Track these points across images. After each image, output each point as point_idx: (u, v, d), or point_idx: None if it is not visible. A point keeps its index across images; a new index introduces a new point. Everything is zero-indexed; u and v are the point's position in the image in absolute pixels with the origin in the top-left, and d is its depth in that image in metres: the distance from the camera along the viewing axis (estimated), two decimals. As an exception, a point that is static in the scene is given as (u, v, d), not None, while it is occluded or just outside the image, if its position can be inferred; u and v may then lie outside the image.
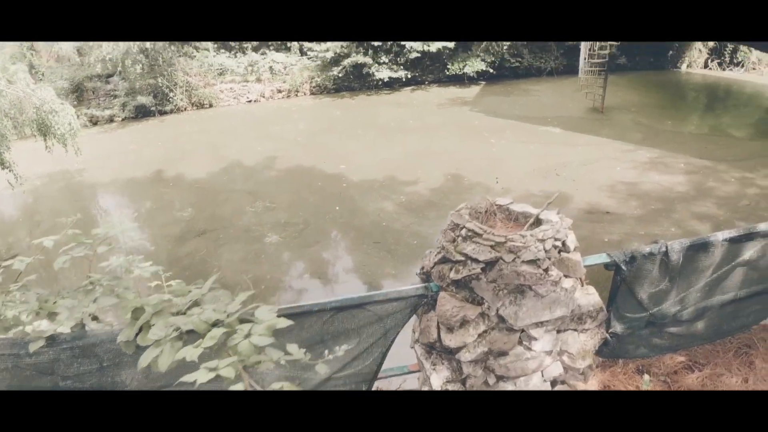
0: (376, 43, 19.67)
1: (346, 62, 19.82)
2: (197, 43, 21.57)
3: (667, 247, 3.42)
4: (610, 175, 10.42)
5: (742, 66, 24.30)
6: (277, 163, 12.45)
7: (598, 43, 14.65)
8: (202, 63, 20.88)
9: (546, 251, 2.89)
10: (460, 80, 20.61)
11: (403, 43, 19.64)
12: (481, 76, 20.63)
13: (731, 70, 24.13)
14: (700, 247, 3.51)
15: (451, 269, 3.03)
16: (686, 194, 9.55)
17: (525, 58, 21.31)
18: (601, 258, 3.42)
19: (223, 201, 10.40)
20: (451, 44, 20.05)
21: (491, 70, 20.48)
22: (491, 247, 2.85)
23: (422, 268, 3.28)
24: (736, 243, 3.60)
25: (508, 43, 20.66)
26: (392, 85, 20.68)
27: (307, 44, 21.65)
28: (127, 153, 14.50)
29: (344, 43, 19.80)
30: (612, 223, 8.38)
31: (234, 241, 8.58)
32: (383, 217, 8.98)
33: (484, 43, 20.25)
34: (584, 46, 14.82)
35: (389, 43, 19.73)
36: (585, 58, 15.00)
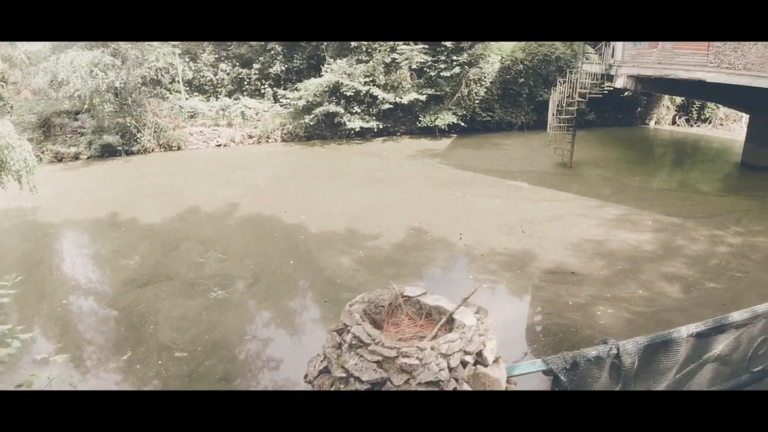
0: (348, 93, 19.63)
1: (318, 111, 19.70)
2: (170, 85, 21.38)
3: (618, 349, 2.89)
4: (577, 232, 10.13)
5: (710, 122, 24.83)
6: (236, 210, 11.97)
7: (566, 99, 14.70)
8: (174, 105, 20.62)
9: (451, 369, 2.32)
10: (432, 132, 20.58)
11: (375, 94, 19.64)
12: (452, 129, 20.64)
13: (699, 126, 24.62)
14: (661, 345, 2.99)
15: (332, 385, 2.45)
16: (654, 253, 9.26)
17: (496, 112, 21.44)
18: (536, 365, 2.85)
19: (173, 249, 9.83)
20: (423, 97, 20.08)
21: (462, 124, 20.51)
22: (378, 363, 2.28)
23: (306, 376, 2.69)
24: (705, 338, 3.10)
25: (480, 96, 20.80)
26: (364, 134, 20.56)
27: (280, 91, 21.61)
28: (86, 192, 14.00)
29: (317, 92, 19.78)
30: (577, 284, 7.99)
31: (177, 295, 7.98)
32: (338, 273, 8.48)
33: (456, 96, 20.34)
34: (552, 102, 14.85)
35: (362, 93, 19.71)
36: (553, 114, 15.01)
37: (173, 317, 7.34)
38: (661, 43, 13.46)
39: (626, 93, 20.96)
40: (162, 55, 20.15)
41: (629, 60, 15.57)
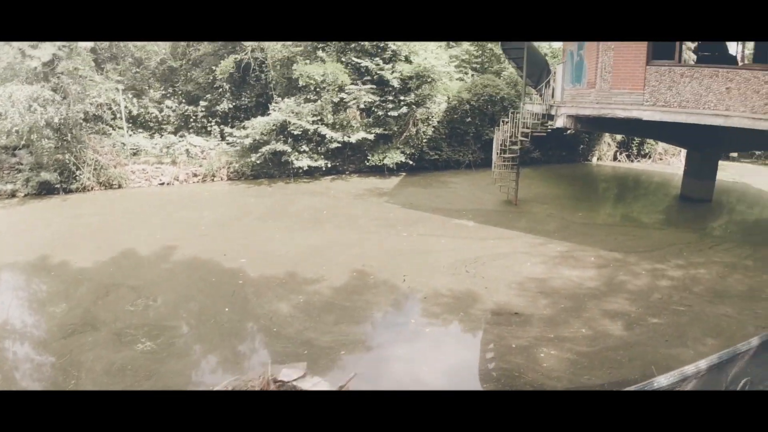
0: (296, 132, 19.45)
1: (265, 149, 19.42)
2: (112, 121, 20.77)
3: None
4: (521, 270, 10.05)
5: (649, 157, 25.78)
6: (173, 254, 11.39)
7: (509, 138, 14.90)
8: (116, 142, 19.96)
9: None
10: (381, 171, 20.53)
11: (323, 133, 19.53)
12: (401, 168, 20.67)
13: (639, 161, 25.51)
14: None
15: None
16: (597, 290, 9.24)
17: (444, 150, 21.64)
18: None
19: (104, 296, 9.20)
20: (371, 136, 20.10)
21: (411, 162, 20.56)
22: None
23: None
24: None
25: (428, 136, 20.97)
26: (312, 173, 20.33)
27: (227, 129, 21.28)
28: (18, 233, 13.20)
29: (265, 130, 19.59)
30: (521, 325, 7.83)
31: (102, 347, 7.38)
32: (275, 321, 8.06)
33: (404, 135, 20.45)
34: (496, 142, 15.03)
35: (310, 132, 19.56)
36: (498, 153, 15.16)
37: (96, 371, 6.76)
38: (598, 83, 13.87)
39: (568, 131, 21.50)
40: (104, 90, 19.60)
41: (569, 100, 15.97)
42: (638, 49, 13.18)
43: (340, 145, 19.87)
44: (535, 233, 12.46)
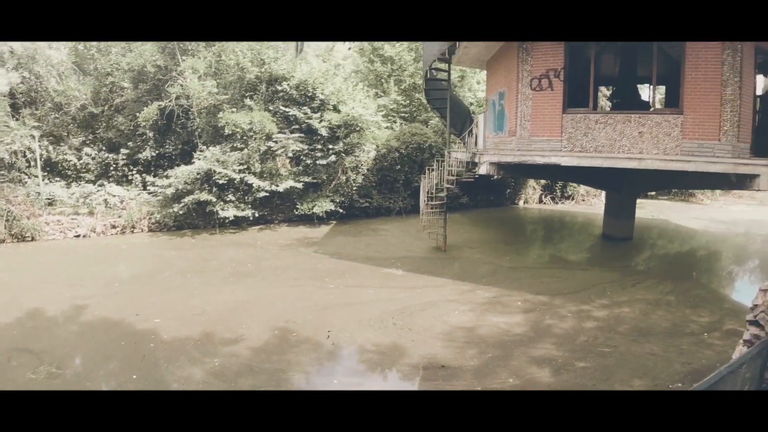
0: (221, 181, 18.89)
1: (188, 199, 18.69)
2: (27, 169, 19.51)
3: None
4: (448, 320, 9.86)
5: (573, 199, 26.76)
6: (83, 313, 10.48)
7: (435, 185, 15.00)
8: (30, 191, 18.67)
9: None
10: (311, 220, 20.17)
11: (250, 182, 19.06)
12: (331, 216, 20.41)
13: (563, 203, 26.42)
14: None
15: None
16: (524, 336, 9.15)
17: (374, 198, 21.61)
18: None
19: (5, 362, 8.24)
20: (299, 184, 19.81)
21: (341, 210, 20.35)
22: None
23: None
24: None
25: (357, 183, 20.90)
26: (240, 223, 19.70)
27: (149, 178, 20.42)
28: None
29: (188, 179, 18.93)
30: (448, 379, 7.56)
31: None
32: (186, 388, 7.43)
33: (333, 183, 20.29)
34: (423, 189, 15.08)
35: (236, 180, 19.05)
36: (425, 200, 15.19)
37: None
38: (519, 131, 14.27)
39: (494, 177, 22.05)
40: (20, 137, 18.46)
41: (493, 148, 16.36)
42: (554, 98, 13.71)
43: (268, 194, 19.43)
44: (464, 279, 12.39)
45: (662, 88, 22.37)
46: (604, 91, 25.36)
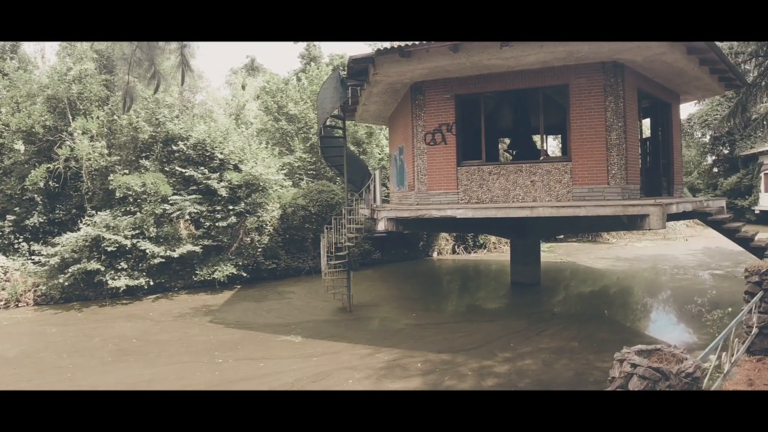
0: (110, 248, 17.51)
1: (74, 269, 17.16)
2: None
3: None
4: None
5: (485, 247, 26.98)
6: None
7: (335, 244, 14.47)
8: None
9: None
10: (213, 286, 19.01)
11: (143, 248, 17.80)
12: (236, 280, 19.37)
13: (476, 252, 26.57)
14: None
15: None
16: (422, 404, 8.55)
17: (282, 259, 20.79)
18: None
19: None
20: (198, 248, 18.72)
21: (245, 274, 19.35)
22: None
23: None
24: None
25: (263, 245, 20.05)
26: (135, 293, 18.25)
27: (37, 246, 18.70)
28: None
29: (76, 247, 17.55)
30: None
31: None
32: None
33: (235, 246, 19.35)
34: (323, 247, 14.50)
35: (128, 246, 17.74)
36: (326, 261, 14.56)
37: None
38: (416, 186, 14.12)
39: (394, 232, 21.92)
40: None
41: (396, 202, 16.17)
42: (448, 152, 13.73)
43: (163, 260, 18.20)
44: (365, 343, 11.75)
45: (561, 137, 23.53)
46: (506, 142, 26.22)
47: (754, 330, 7.05)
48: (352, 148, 26.89)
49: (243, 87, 37.86)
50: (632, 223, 11.27)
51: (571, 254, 26.15)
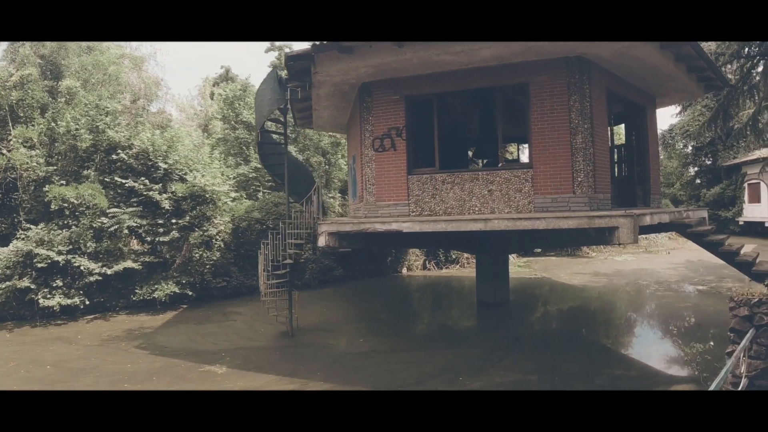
0: (42, 265, 16.05)
1: (3, 287, 15.70)
2: None
3: None
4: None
5: (458, 263, 25.61)
6: None
7: (272, 263, 13.02)
8: None
9: None
10: (154, 306, 17.43)
11: (78, 264, 16.30)
12: (182, 300, 17.82)
13: (448, 268, 25.19)
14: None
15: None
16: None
17: (234, 276, 19.26)
18: None
19: None
20: (137, 265, 17.20)
21: (190, 293, 17.81)
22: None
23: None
24: None
25: (212, 261, 18.54)
26: (73, 313, 16.69)
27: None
28: None
29: (8, 263, 16.18)
30: None
31: None
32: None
33: (178, 262, 17.82)
34: (261, 264, 13.02)
35: (61, 263, 16.24)
36: (264, 280, 13.05)
37: None
38: (365, 197, 12.78)
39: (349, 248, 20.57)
40: None
41: (353, 215, 14.78)
42: (398, 159, 12.43)
43: (100, 277, 16.66)
44: (295, 375, 10.25)
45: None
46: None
47: (744, 381, 5.57)
48: (318, 158, 25.53)
49: (211, 96, 36.46)
50: (600, 237, 9.95)
51: (548, 269, 24.83)
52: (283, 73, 13.23)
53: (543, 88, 11.45)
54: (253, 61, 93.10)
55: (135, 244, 19.06)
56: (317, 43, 10.91)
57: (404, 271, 24.46)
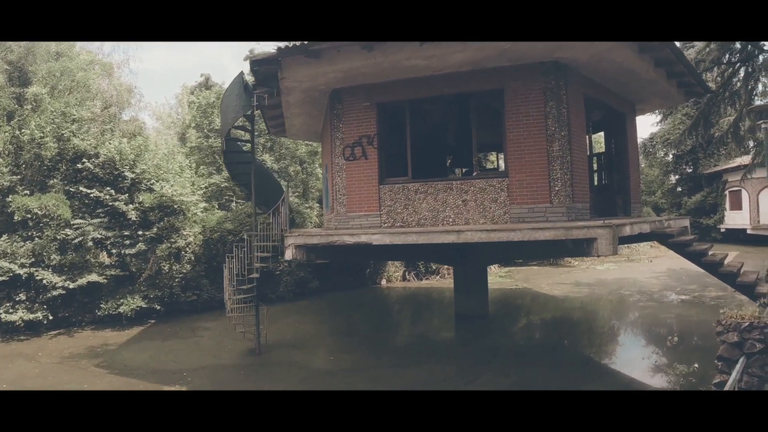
0: (2, 278, 15.36)
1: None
2: None
3: None
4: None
5: (438, 273, 25.13)
6: None
7: (238, 276, 12.43)
8: None
9: None
10: (120, 321, 16.71)
11: (40, 277, 15.61)
12: (150, 314, 17.12)
13: (428, 279, 24.70)
14: None
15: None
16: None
17: (205, 290, 18.58)
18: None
19: None
20: (102, 279, 16.50)
21: (158, 307, 17.11)
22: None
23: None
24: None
25: (182, 274, 17.87)
26: (37, 328, 15.97)
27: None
28: None
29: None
30: None
31: None
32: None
33: (144, 275, 17.13)
34: (226, 278, 12.43)
35: (23, 275, 15.54)
36: (230, 295, 12.46)
37: None
38: (336, 207, 12.28)
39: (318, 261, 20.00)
40: None
41: (326, 226, 14.25)
42: (369, 167, 11.95)
43: (64, 291, 15.96)
44: (257, 397, 9.69)
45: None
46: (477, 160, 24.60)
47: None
48: (296, 168, 24.99)
49: (189, 105, 35.81)
50: (578, 249, 9.51)
51: (529, 279, 24.44)
52: (251, 79, 12.70)
53: (518, 94, 11.06)
54: (235, 68, 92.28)
55: (104, 258, 18.34)
56: (282, 46, 10.42)
57: (383, 282, 23.92)
